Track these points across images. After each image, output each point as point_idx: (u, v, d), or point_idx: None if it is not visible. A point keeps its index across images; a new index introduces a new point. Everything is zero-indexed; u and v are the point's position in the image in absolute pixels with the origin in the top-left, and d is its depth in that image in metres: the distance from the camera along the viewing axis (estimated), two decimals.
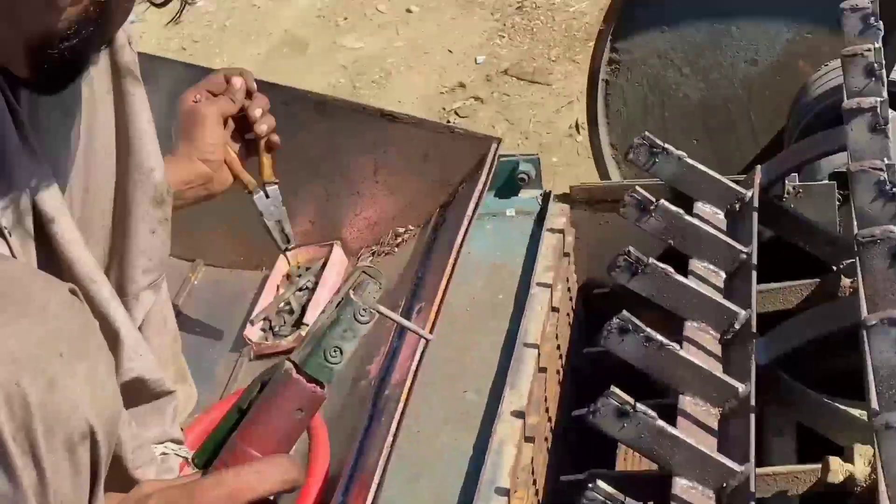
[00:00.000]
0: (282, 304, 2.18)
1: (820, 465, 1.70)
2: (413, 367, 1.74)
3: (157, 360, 1.60)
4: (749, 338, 1.70)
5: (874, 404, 1.29)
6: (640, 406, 1.50)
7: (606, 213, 2.18)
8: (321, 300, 2.11)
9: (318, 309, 2.11)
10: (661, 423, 1.50)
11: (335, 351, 1.09)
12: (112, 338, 1.45)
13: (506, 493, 1.58)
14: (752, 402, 1.59)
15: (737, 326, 1.74)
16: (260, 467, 1.09)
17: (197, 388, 1.94)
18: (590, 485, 1.38)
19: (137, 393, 1.54)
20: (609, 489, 1.39)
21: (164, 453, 1.55)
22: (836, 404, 1.76)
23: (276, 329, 2.15)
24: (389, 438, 1.64)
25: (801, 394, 1.75)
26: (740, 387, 1.62)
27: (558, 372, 1.99)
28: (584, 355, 2.04)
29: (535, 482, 1.72)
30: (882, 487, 1.26)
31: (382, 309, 1.13)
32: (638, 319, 1.62)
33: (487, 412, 1.72)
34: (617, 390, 1.50)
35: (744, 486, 1.49)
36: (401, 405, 1.68)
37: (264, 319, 2.16)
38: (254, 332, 2.14)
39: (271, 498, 1.10)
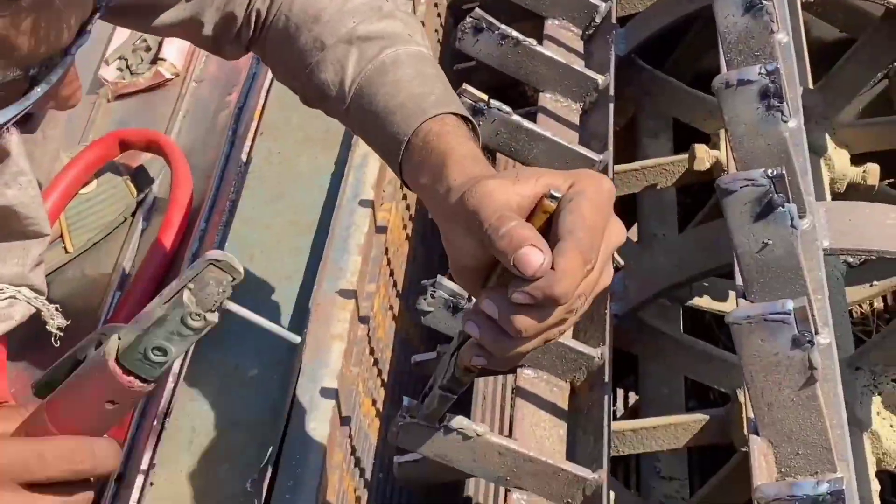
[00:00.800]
0: (137, 41, 2.08)
1: (687, 155, 1.69)
2: (266, 87, 1.68)
3: (38, 199, 1.47)
4: (609, 29, 1.65)
5: (723, 70, 1.26)
6: (494, 102, 1.45)
7: None
8: None
9: (173, 43, 2.02)
10: (517, 117, 1.46)
11: (158, 351, 0.93)
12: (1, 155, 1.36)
13: (370, 204, 1.54)
14: (611, 91, 1.55)
15: (598, 20, 1.68)
16: (43, 449, 0.93)
17: None
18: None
19: (4, 223, 1.43)
20: (454, 287, 1.28)
21: (12, 297, 1.45)
22: (700, 93, 1.74)
23: (133, 67, 2.05)
24: (243, 160, 1.59)
25: (663, 82, 1.72)
26: (599, 78, 1.58)
27: None
28: (454, 71, 1.98)
29: (405, 196, 1.69)
30: (728, 155, 1.23)
31: (232, 305, 0.96)
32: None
33: (349, 132, 1.67)
34: (470, 88, 1.45)
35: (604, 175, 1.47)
36: (254, 124, 1.62)
37: (119, 58, 2.06)
38: (109, 72, 2.04)
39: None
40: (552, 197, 0.90)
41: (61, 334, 1.48)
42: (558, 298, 0.87)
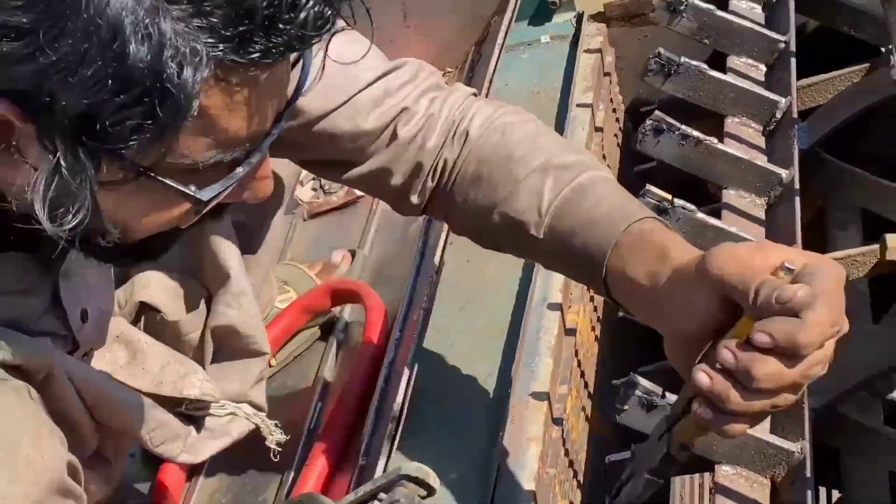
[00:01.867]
0: None
1: (878, 246, 1.66)
2: None
3: (258, 318, 1.55)
4: (790, 124, 1.65)
5: None
6: (678, 201, 1.47)
7: (644, 27, 2.12)
8: None
9: None
10: (702, 215, 1.48)
11: None
12: (223, 276, 1.45)
13: (558, 307, 1.57)
14: (797, 185, 1.55)
15: (778, 115, 1.69)
16: None
17: None
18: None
19: (226, 342, 1.50)
20: (648, 385, 1.33)
21: (232, 413, 1.52)
22: (890, 183, 1.72)
23: (326, 187, 2.16)
24: (435, 268, 1.65)
25: (851, 174, 1.71)
26: (783, 173, 1.58)
27: None
28: (635, 173, 2.01)
29: (591, 298, 1.72)
30: None
31: None
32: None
33: None
34: (653, 188, 1.48)
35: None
36: (444, 234, 1.68)
37: (313, 179, 2.17)
38: (304, 192, 2.15)
39: None
40: (787, 269, 0.93)
41: (280, 450, 1.54)
42: (801, 346, 0.89)
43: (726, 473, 1.30)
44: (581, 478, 1.55)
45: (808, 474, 1.25)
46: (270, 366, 1.83)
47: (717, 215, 1.58)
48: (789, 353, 0.90)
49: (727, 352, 0.92)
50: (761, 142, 1.71)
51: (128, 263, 1.12)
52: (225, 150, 0.93)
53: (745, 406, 0.93)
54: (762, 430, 1.32)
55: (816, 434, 1.39)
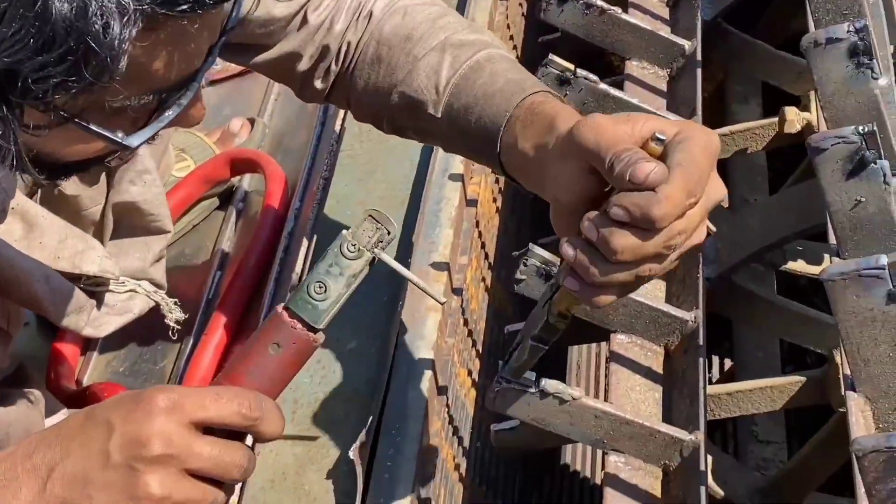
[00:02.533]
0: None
1: (777, 119, 1.68)
2: None
3: (162, 196, 1.52)
4: None
5: (811, 29, 1.25)
6: (580, 72, 1.46)
7: None
8: None
9: None
10: (604, 86, 1.47)
11: (319, 286, 1.00)
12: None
13: (460, 178, 1.56)
14: (699, 56, 1.55)
15: None
16: (220, 391, 0.97)
17: None
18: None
19: (127, 219, 1.47)
20: (545, 255, 1.29)
21: (132, 290, 1.50)
22: (789, 55, 1.73)
23: None
24: (334, 139, 1.63)
25: (752, 46, 1.71)
26: (686, 44, 1.58)
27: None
28: (539, 43, 1.99)
29: None
30: (819, 117, 1.23)
31: (383, 255, 1.02)
32: None
33: None
34: (556, 58, 1.46)
35: None
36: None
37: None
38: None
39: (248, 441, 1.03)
40: (658, 139, 0.93)
41: (179, 327, 1.54)
42: (655, 220, 0.90)
43: (621, 342, 1.32)
44: (480, 347, 1.57)
45: (701, 342, 1.28)
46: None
47: (620, 87, 1.58)
48: (645, 226, 0.90)
49: (587, 223, 0.93)
50: (665, 12, 1.70)
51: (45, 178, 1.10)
52: (154, 93, 0.91)
53: (607, 277, 0.93)
54: (656, 300, 1.35)
55: (710, 304, 1.41)
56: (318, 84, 1.31)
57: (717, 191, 0.95)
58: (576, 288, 0.95)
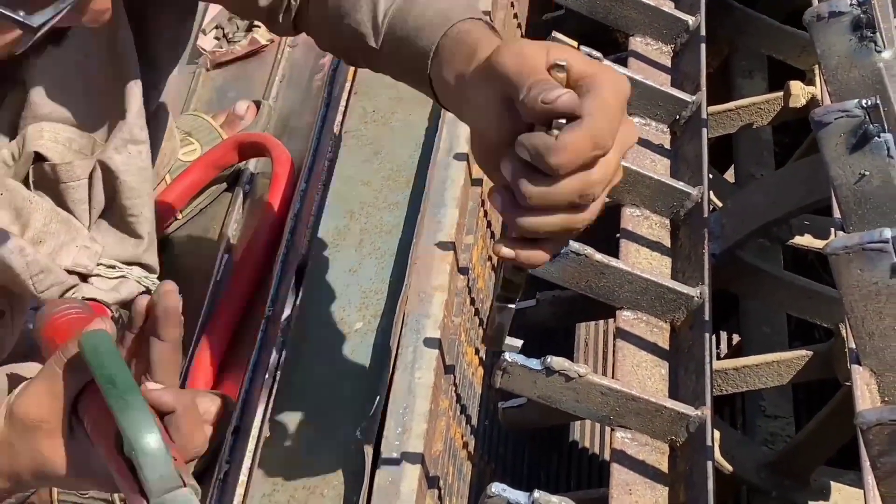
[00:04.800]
0: None
1: (782, 93, 1.68)
2: None
3: (147, 174, 1.51)
4: None
5: (814, 3, 1.25)
6: (584, 49, 1.45)
7: None
8: None
9: None
10: (608, 62, 1.45)
11: None
12: (118, 119, 1.41)
13: (464, 157, 1.56)
14: (702, 32, 1.55)
15: None
16: None
17: None
18: None
19: (114, 197, 1.47)
20: None
21: (122, 276, 1.50)
22: (793, 29, 1.72)
23: (230, 35, 2.10)
24: (339, 120, 1.63)
25: (756, 21, 1.71)
26: (690, 19, 1.58)
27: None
28: (544, 21, 1.99)
29: None
30: (824, 90, 1.23)
31: None
32: None
33: None
34: (559, 36, 1.46)
35: (696, 117, 1.47)
36: (348, 85, 1.66)
37: (216, 28, 2.11)
38: (207, 42, 2.10)
39: None
40: (558, 66, 0.88)
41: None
42: (552, 167, 0.86)
43: (627, 318, 1.33)
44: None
45: (707, 318, 1.28)
46: (176, 219, 1.80)
47: (624, 63, 1.58)
48: (546, 171, 0.86)
49: (505, 164, 0.88)
50: None
51: None
52: None
53: (529, 226, 0.89)
54: (662, 276, 1.35)
55: (717, 279, 1.41)
56: (282, 18, 1.31)
57: (629, 135, 0.91)
58: (511, 255, 0.92)
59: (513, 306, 1.01)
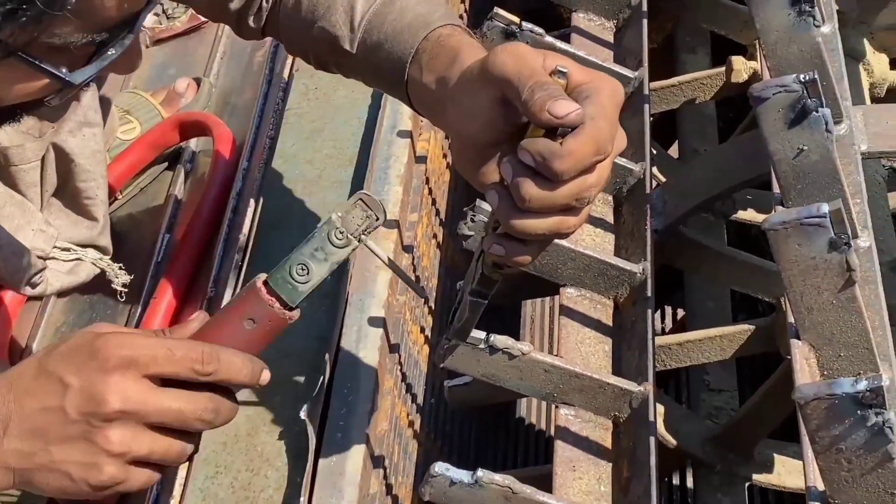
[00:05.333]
0: None
1: (724, 68, 1.68)
2: None
3: (101, 156, 1.49)
4: None
5: None
6: (526, 25, 1.45)
7: None
8: None
9: None
10: (550, 38, 1.46)
11: (302, 268, 1.00)
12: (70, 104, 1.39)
13: (408, 134, 1.55)
14: (644, 7, 1.54)
15: None
16: (174, 346, 0.96)
17: None
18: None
19: (67, 179, 1.45)
20: None
21: (78, 258, 1.49)
22: (735, 4, 1.72)
23: (170, 11, 2.07)
24: (281, 97, 1.61)
25: None
26: None
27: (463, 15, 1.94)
28: None
29: None
30: (763, 64, 1.23)
31: (369, 243, 1.03)
32: None
33: None
34: (501, 11, 1.45)
35: (638, 94, 1.47)
36: (290, 61, 1.64)
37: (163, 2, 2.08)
38: (147, 18, 2.06)
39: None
40: (560, 72, 0.90)
41: (126, 290, 1.52)
42: (557, 173, 0.88)
43: (570, 295, 1.33)
44: (433, 304, 1.57)
45: (649, 294, 1.28)
46: (116, 199, 1.78)
47: (567, 39, 1.57)
48: (549, 176, 0.88)
49: (506, 166, 0.90)
50: None
51: None
52: (98, 31, 0.90)
53: (523, 228, 0.91)
54: (605, 252, 1.35)
55: (660, 255, 1.42)
56: (252, 22, 1.31)
57: (622, 140, 0.93)
58: (501, 252, 0.93)
59: (485, 301, 1.02)
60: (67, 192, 1.47)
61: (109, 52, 0.92)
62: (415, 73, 1.11)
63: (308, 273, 1.00)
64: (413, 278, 1.49)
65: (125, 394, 0.93)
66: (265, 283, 1.01)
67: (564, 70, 0.91)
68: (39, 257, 1.42)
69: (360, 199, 1.01)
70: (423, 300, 1.53)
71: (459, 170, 1.00)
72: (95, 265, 1.50)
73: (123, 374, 0.94)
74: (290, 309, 1.01)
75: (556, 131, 0.89)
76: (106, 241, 1.53)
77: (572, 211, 0.91)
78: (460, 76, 1.02)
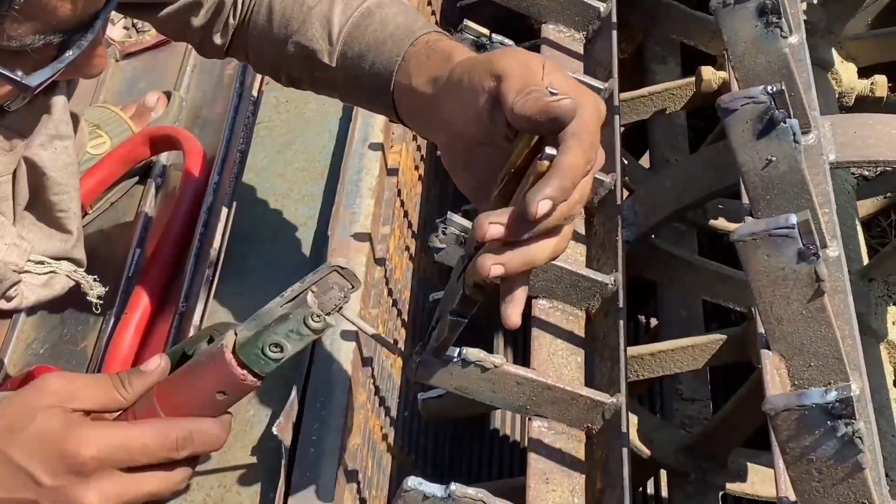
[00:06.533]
0: None
1: (694, 78, 1.69)
2: None
3: (73, 169, 1.49)
4: None
5: None
6: (496, 37, 1.45)
7: None
8: None
9: None
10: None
11: (275, 347, 0.99)
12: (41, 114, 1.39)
13: (380, 147, 1.55)
14: (614, 18, 1.55)
15: None
16: (147, 439, 0.98)
17: None
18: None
19: (40, 193, 1.44)
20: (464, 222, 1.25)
21: (52, 271, 1.48)
22: (703, 14, 1.73)
23: (139, 25, 2.06)
24: (251, 112, 1.61)
25: (667, 7, 1.72)
26: (601, 6, 1.58)
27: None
28: (458, 8, 1.98)
29: (414, 137, 1.70)
30: (732, 74, 1.23)
31: (349, 315, 1.03)
32: None
33: None
34: (471, 24, 1.46)
35: (608, 105, 1.47)
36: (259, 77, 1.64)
37: (124, 17, 2.07)
38: (115, 31, 2.06)
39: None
40: (551, 94, 0.93)
41: (101, 302, 1.52)
42: (565, 189, 0.89)
43: (542, 307, 1.33)
44: (406, 316, 1.57)
45: (621, 305, 1.28)
46: (86, 213, 1.77)
47: (537, 50, 1.57)
48: (556, 197, 0.89)
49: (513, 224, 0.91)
50: None
51: None
52: (54, 32, 0.88)
53: (514, 261, 0.92)
54: (576, 264, 1.35)
55: (631, 266, 1.42)
56: (217, 39, 1.30)
57: (602, 156, 0.95)
58: (501, 272, 0.93)
59: (465, 321, 1.02)
60: (40, 206, 1.46)
61: (67, 54, 0.91)
62: (402, 80, 1.12)
63: (281, 350, 0.99)
64: (386, 291, 1.49)
65: (104, 494, 0.95)
66: (236, 356, 0.99)
67: (555, 92, 0.93)
68: (14, 271, 1.41)
69: (335, 270, 0.99)
70: (396, 313, 1.53)
71: (447, 167, 1.01)
72: (70, 277, 1.49)
73: (100, 476, 0.95)
74: (261, 378, 1.01)
75: (540, 145, 0.90)
76: (80, 253, 1.52)
77: (556, 232, 0.92)
78: (459, 68, 1.03)
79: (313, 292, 0.99)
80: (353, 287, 1.00)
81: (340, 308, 1.00)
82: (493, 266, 0.93)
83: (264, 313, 1.01)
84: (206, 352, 1.03)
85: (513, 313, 0.96)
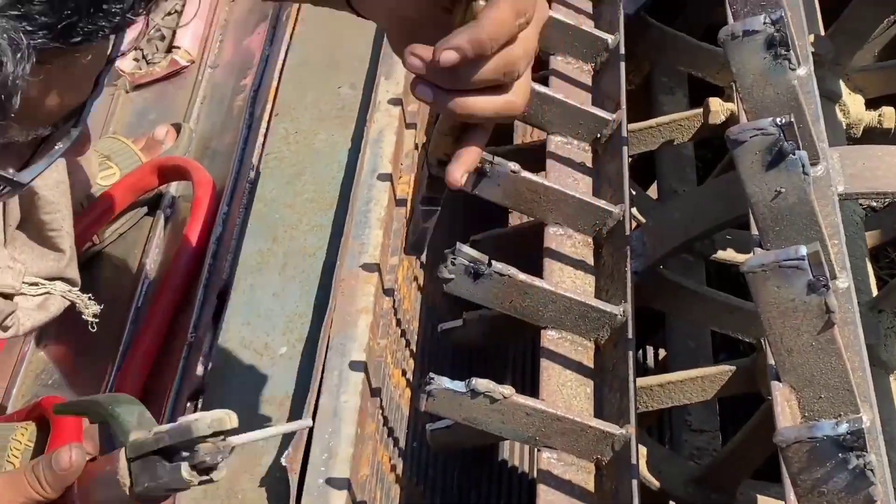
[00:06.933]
0: (151, 31, 2.10)
1: (701, 110, 1.70)
2: (279, 68, 1.70)
3: (63, 185, 1.48)
4: None
5: (730, 21, 1.26)
6: None
7: None
8: (189, 16, 2.03)
9: (187, 31, 2.04)
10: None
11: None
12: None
13: (388, 178, 1.56)
14: (622, 50, 1.56)
15: None
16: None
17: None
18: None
19: (31, 213, 1.44)
20: (473, 253, 1.28)
21: (47, 292, 1.48)
22: (711, 46, 1.74)
23: (149, 57, 2.08)
24: (260, 142, 1.62)
25: (674, 38, 1.72)
26: (609, 38, 1.59)
27: None
28: None
29: (422, 167, 1.71)
30: (740, 106, 1.24)
31: (234, 440, 1.02)
32: None
33: (363, 104, 1.68)
34: None
35: (617, 136, 1.48)
36: (269, 106, 1.64)
37: (135, 49, 2.09)
38: (126, 63, 2.07)
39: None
40: None
41: (97, 321, 1.52)
42: (484, 43, 0.86)
43: (552, 338, 1.33)
44: (414, 347, 1.57)
45: (630, 336, 1.28)
46: (95, 245, 1.77)
47: (545, 82, 1.58)
48: (480, 55, 0.87)
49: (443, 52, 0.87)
50: (588, 7, 1.70)
51: None
52: (43, 126, 0.88)
53: (464, 107, 0.90)
54: (585, 295, 1.35)
55: (640, 297, 1.42)
56: None
57: (543, 10, 0.92)
58: (430, 96, 0.91)
59: (437, 209, 1.00)
60: (31, 225, 1.46)
61: (58, 146, 0.91)
62: None
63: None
64: (395, 321, 1.49)
65: None
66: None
67: None
68: (8, 296, 1.40)
69: (198, 442, 0.99)
70: (404, 344, 1.53)
71: (394, 50, 0.99)
72: (65, 297, 1.49)
73: None
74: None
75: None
76: (74, 272, 1.51)
77: (503, 88, 0.90)
78: None
79: (190, 465, 0.99)
80: (226, 436, 0.99)
81: (224, 460, 0.99)
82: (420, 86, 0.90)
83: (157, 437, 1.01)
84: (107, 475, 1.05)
85: (455, 171, 0.94)
